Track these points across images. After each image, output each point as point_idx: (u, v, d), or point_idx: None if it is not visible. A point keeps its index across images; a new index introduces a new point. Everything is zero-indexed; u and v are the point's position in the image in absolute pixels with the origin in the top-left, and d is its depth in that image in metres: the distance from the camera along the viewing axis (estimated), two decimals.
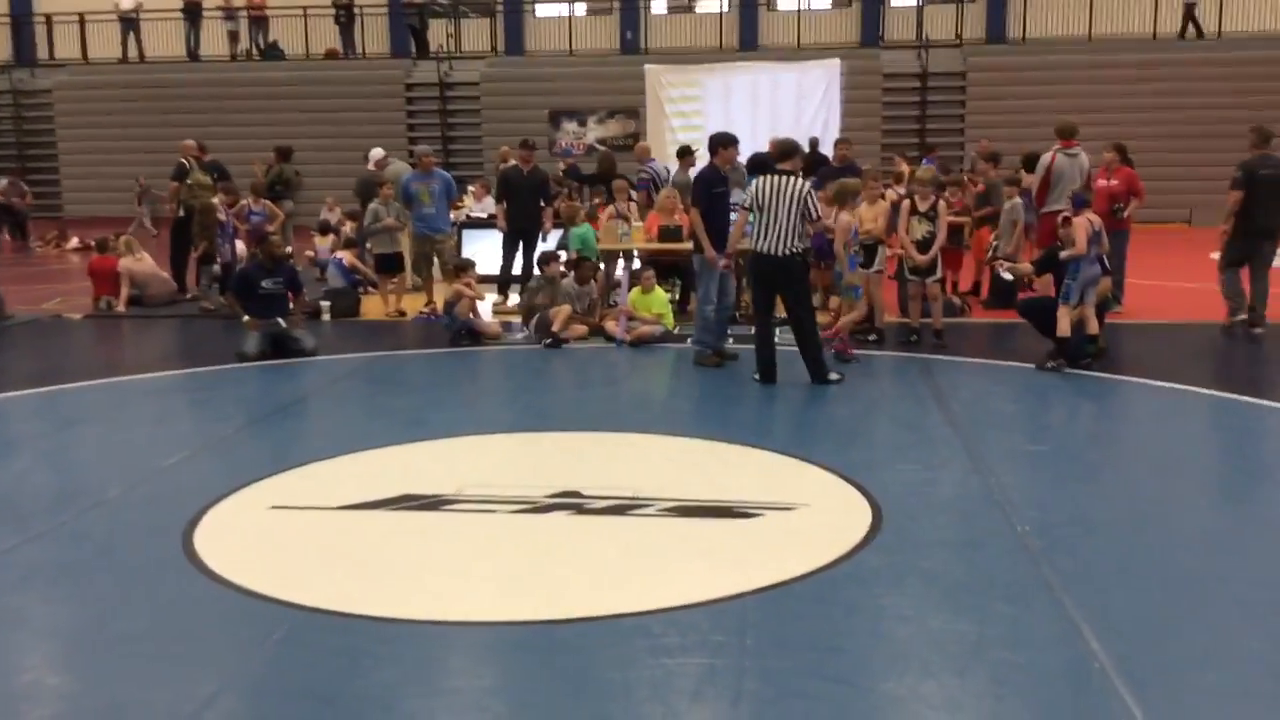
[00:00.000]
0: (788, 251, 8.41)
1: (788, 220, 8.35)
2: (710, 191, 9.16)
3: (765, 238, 8.45)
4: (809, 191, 8.44)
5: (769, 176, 8.55)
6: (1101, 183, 11.46)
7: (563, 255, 11.57)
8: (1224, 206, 10.89)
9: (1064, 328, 8.88)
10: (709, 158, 15.18)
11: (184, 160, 13.58)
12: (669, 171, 15.31)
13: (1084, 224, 8.91)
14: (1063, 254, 9.01)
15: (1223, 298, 10.69)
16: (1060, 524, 5.43)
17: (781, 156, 8.72)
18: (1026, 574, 4.81)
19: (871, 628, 4.32)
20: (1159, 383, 8.60)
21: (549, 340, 10.27)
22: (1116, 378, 8.75)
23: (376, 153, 14.64)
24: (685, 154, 13.40)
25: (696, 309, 9.68)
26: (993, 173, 12.59)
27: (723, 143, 9.48)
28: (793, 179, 8.46)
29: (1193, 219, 21.50)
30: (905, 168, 15.36)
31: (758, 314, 8.78)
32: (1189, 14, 24.73)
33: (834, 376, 8.50)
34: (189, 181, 13.22)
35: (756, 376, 8.62)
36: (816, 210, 8.56)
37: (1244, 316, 10.49)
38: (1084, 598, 4.52)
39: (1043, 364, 8.97)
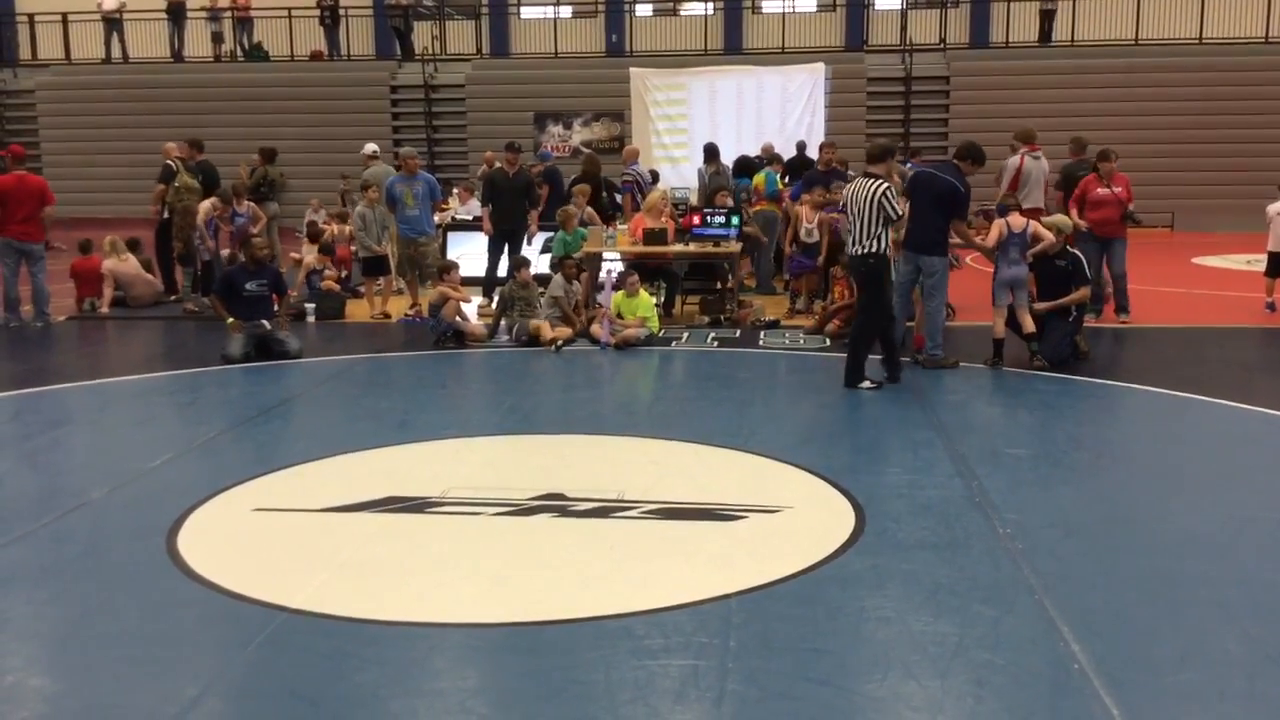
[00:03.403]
0: (862, 251, 8.59)
1: (866, 221, 8.52)
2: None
3: (851, 238, 8.75)
4: (884, 192, 8.50)
5: (857, 179, 8.82)
6: (1104, 191, 11.31)
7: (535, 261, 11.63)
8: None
9: (1027, 325, 9.22)
10: (703, 162, 15.32)
11: (170, 162, 13.49)
12: (653, 175, 15.33)
13: (999, 225, 9.34)
14: (1031, 252, 9.42)
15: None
16: (1041, 526, 5.47)
17: (871, 159, 8.84)
18: (1007, 576, 4.84)
19: (854, 629, 4.34)
20: (1140, 386, 8.68)
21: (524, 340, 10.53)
22: (1098, 381, 8.82)
23: (369, 147, 14.74)
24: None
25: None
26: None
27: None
28: (872, 181, 8.57)
29: (1175, 224, 21.66)
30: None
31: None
32: (1045, 21, 25.13)
33: (866, 385, 8.52)
34: (175, 185, 13.16)
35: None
36: (895, 209, 8.56)
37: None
38: (1064, 599, 4.56)
39: (1028, 365, 9.15)
